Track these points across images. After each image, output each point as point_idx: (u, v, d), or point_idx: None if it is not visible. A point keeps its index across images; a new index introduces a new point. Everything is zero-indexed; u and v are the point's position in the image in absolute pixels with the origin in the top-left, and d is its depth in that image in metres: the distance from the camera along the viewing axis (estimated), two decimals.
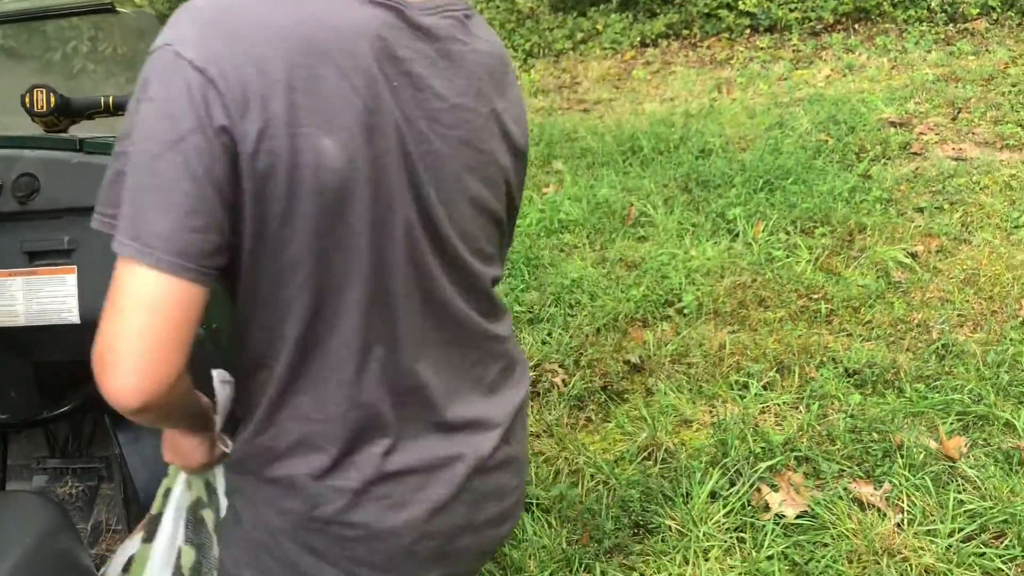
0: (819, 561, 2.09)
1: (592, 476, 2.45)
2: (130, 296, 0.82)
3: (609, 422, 2.70)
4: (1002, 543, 2.08)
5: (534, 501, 2.38)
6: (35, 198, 1.61)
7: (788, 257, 3.42)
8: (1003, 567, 2.01)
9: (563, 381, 2.88)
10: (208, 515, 1.25)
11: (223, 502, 1.22)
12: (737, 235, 3.65)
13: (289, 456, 0.96)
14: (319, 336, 0.93)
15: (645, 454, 2.52)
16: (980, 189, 3.85)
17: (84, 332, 1.31)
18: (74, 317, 1.59)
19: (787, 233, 3.61)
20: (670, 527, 2.24)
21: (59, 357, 1.69)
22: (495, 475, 1.09)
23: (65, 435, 2.05)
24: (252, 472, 1.00)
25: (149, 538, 1.29)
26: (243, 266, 0.90)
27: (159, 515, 1.28)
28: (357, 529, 0.97)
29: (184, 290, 0.83)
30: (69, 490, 2.08)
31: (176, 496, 1.25)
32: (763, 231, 3.61)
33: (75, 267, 1.60)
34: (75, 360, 1.26)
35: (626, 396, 2.81)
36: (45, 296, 1.63)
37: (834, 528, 2.17)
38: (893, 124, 4.64)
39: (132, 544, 1.39)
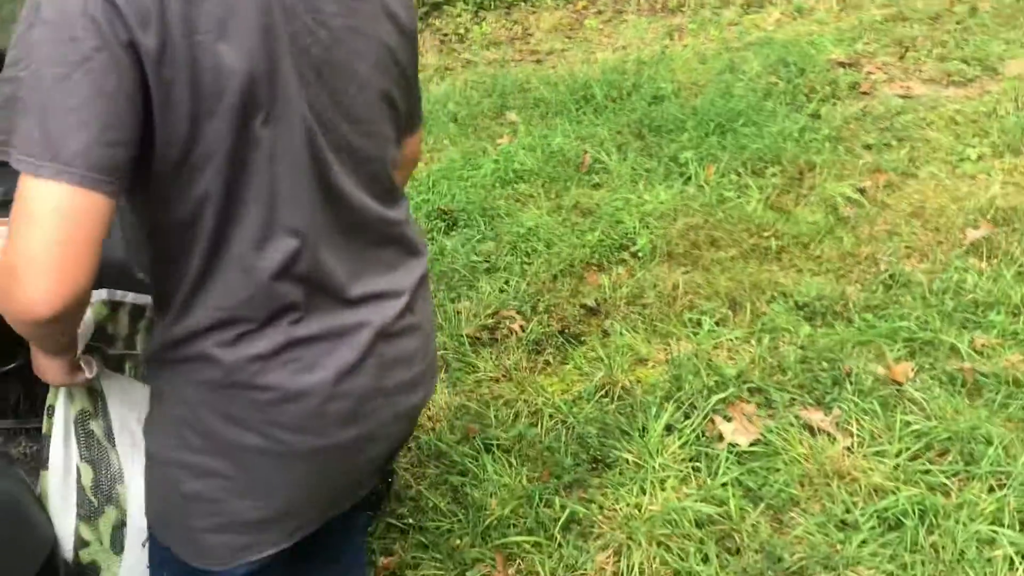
0: (772, 486, 2.15)
1: (551, 416, 2.49)
2: (49, 211, 0.85)
3: (567, 364, 2.73)
4: (946, 459, 2.16)
5: (494, 442, 2.41)
6: None
7: (739, 197, 3.46)
8: (947, 482, 2.09)
9: (521, 327, 2.90)
10: (97, 426, 1.24)
11: (112, 409, 1.23)
12: (689, 178, 3.67)
13: (204, 336, 1.01)
14: (227, 230, 0.97)
15: (602, 393, 2.55)
16: (927, 125, 3.91)
17: None
18: None
19: (738, 174, 3.64)
20: (627, 460, 2.28)
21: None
22: (400, 341, 1.15)
23: (17, 395, 2.02)
24: (170, 356, 1.04)
25: (44, 465, 1.27)
26: (155, 169, 0.94)
27: (48, 436, 1.27)
28: (269, 392, 1.03)
29: (99, 203, 0.87)
30: (23, 450, 2.07)
31: (60, 411, 1.25)
32: (715, 173, 3.64)
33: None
34: None
35: (583, 339, 2.84)
36: None
37: (786, 454, 2.22)
38: (842, 64, 4.67)
39: None
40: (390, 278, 1.14)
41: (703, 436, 2.33)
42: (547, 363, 2.76)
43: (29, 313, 0.88)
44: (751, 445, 2.27)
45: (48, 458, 1.27)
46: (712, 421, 2.36)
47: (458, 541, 2.16)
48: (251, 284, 1.00)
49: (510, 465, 2.33)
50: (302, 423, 1.05)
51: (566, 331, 2.87)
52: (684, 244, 3.22)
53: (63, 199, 0.85)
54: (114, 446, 1.27)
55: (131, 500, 1.27)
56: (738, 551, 2.03)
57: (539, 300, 3.03)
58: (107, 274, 1.50)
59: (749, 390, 2.47)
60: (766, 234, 3.20)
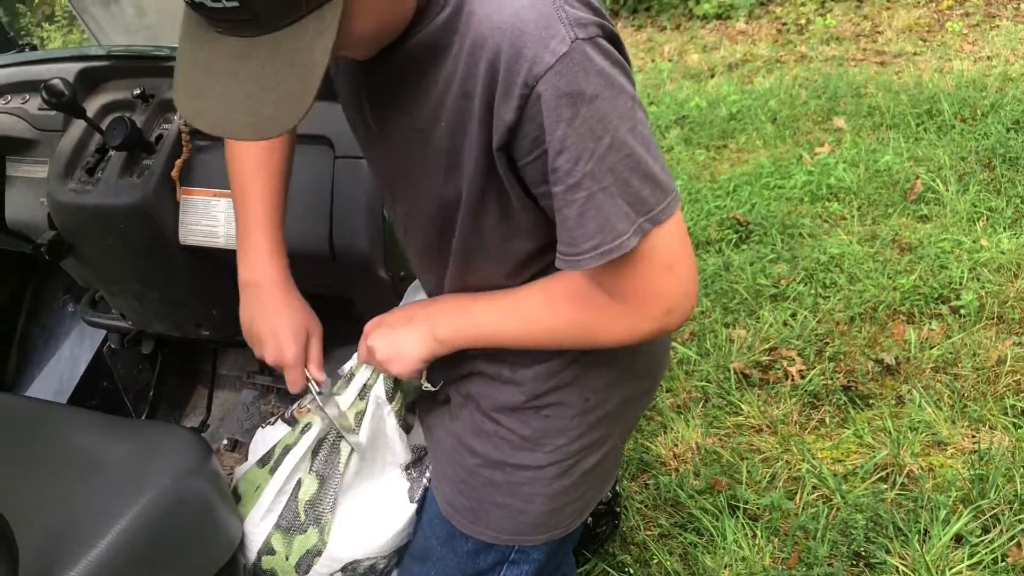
0: None
1: (814, 488, 2.15)
2: (680, 233, 0.92)
3: (846, 428, 2.36)
4: None
5: (741, 505, 2.12)
6: None
7: None
8: None
9: (799, 372, 2.55)
10: (346, 447, 1.20)
11: (365, 431, 1.20)
12: None
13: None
14: None
15: (882, 474, 2.17)
16: None
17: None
18: None
19: None
20: (897, 568, 1.91)
21: None
22: None
23: None
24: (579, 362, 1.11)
25: (271, 468, 1.25)
26: None
27: (290, 447, 1.25)
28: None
29: None
30: (271, 408, 2.11)
31: (315, 428, 1.23)
32: None
33: None
34: None
35: (871, 401, 2.44)
36: None
37: None
38: None
39: (275, 433, 1.35)
40: None
41: (1003, 560, 1.89)
42: (822, 422, 2.40)
43: (682, 322, 0.98)
44: None
45: (280, 467, 1.25)
46: (1019, 545, 1.91)
47: None
48: None
49: (754, 536, 2.04)
50: (666, 349, 1.25)
51: (852, 388, 2.48)
52: (1022, 309, 2.68)
53: (679, 217, 0.93)
54: (342, 475, 1.21)
55: (334, 532, 1.22)
56: None
57: (827, 344, 2.65)
58: (354, 264, 1.45)
59: None
60: None
